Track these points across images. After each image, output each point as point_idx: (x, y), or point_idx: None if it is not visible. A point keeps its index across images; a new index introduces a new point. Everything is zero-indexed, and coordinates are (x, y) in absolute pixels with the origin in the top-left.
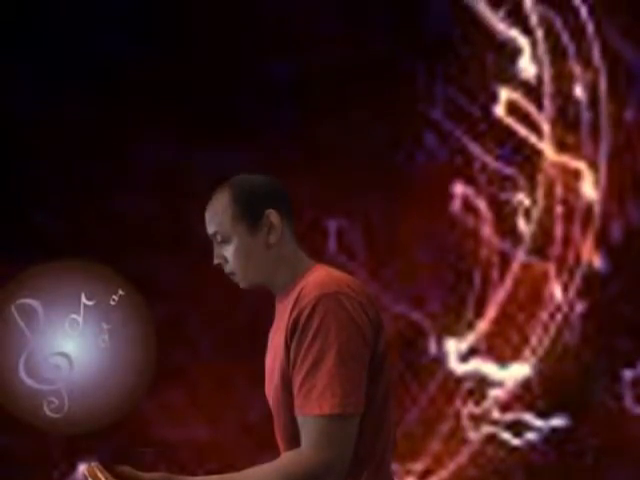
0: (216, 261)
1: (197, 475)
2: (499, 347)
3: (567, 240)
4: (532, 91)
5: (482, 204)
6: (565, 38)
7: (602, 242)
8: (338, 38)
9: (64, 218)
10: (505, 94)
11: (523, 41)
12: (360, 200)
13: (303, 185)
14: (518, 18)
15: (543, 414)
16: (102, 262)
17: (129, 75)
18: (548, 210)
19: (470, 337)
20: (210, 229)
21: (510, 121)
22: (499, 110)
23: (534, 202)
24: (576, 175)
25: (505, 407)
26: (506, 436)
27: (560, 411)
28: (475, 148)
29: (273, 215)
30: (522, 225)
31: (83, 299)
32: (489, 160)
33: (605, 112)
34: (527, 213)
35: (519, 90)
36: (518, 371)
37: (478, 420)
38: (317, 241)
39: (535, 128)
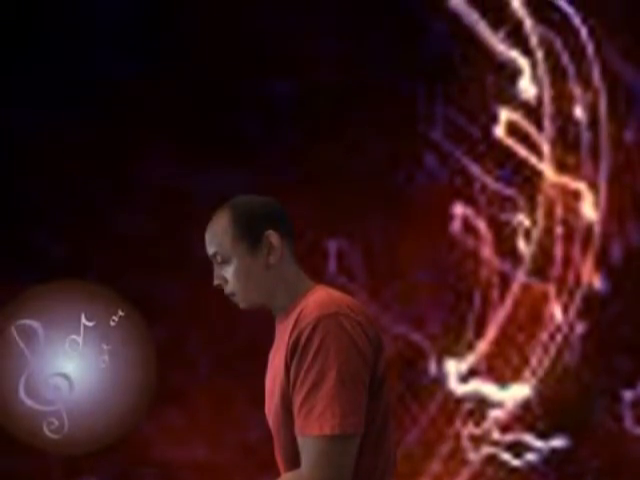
0: (216, 282)
1: None
2: (499, 368)
3: (567, 261)
4: (532, 112)
5: (482, 225)
6: (565, 59)
7: (602, 263)
8: (338, 58)
9: (64, 239)
10: (505, 115)
11: (523, 62)
12: (360, 221)
13: (303, 206)
14: (518, 39)
15: (543, 435)
16: (102, 283)
17: (129, 95)
18: (548, 231)
19: (470, 358)
20: (210, 250)
21: (510, 142)
22: (499, 131)
23: (534, 223)
24: (576, 196)
25: (505, 428)
26: (506, 457)
27: (560, 432)
28: (475, 169)
29: (273, 236)
30: (522, 246)
31: (83, 320)
32: (489, 181)
33: (605, 133)
34: (527, 234)
35: (519, 111)
36: (518, 392)
37: (478, 441)
38: (317, 262)
39: (535, 149)
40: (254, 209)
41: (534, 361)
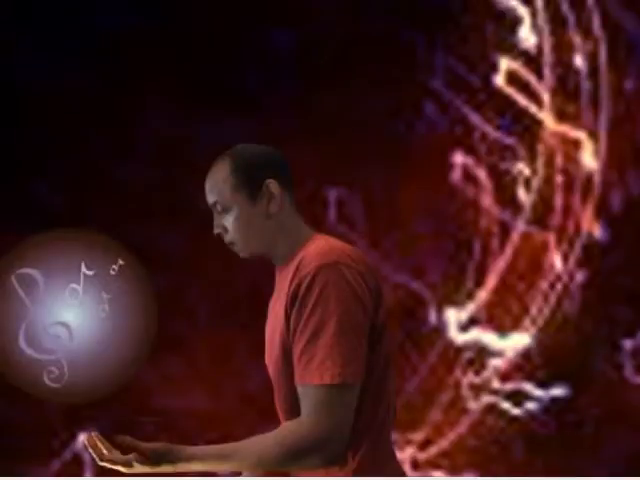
0: (216, 231)
1: (197, 445)
2: (499, 317)
3: (567, 210)
4: (532, 61)
5: (482, 174)
6: (565, 7)
7: (602, 212)
8: (338, 9)
9: (64, 188)
10: (505, 64)
11: (523, 10)
12: (360, 170)
13: (303, 155)
14: None
15: (543, 384)
16: (102, 232)
17: (129, 45)
18: (548, 180)
19: (470, 307)
20: (210, 199)
21: (510, 91)
22: (499, 80)
23: (534, 172)
24: (576, 145)
25: (505, 377)
26: (506, 406)
27: (560, 381)
28: (475, 118)
29: (273, 185)
30: (522, 195)
31: (83, 269)
32: (489, 130)
33: (605, 81)
34: (527, 183)
35: (519, 60)
36: (518, 341)
37: (478, 390)
38: (317, 211)
39: (535, 98)
40: (254, 158)
41: (534, 310)
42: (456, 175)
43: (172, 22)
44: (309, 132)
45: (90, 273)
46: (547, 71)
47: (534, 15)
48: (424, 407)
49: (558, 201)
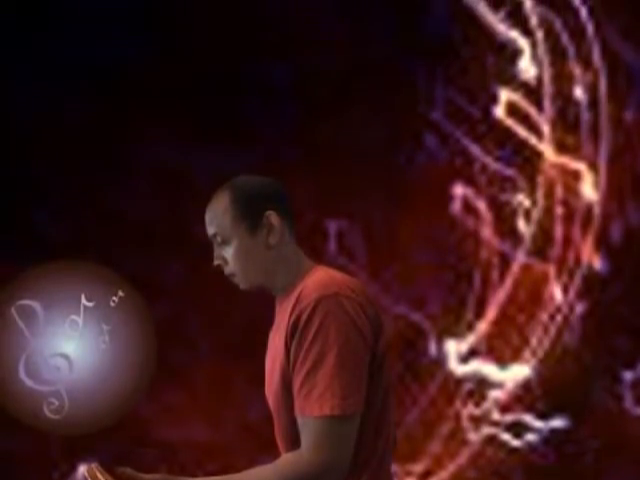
0: (216, 262)
1: (197, 476)
2: (499, 348)
3: (567, 241)
4: (532, 92)
5: (482, 205)
6: (565, 39)
7: (602, 243)
8: (338, 39)
9: (64, 219)
10: (505, 95)
11: (523, 42)
12: (360, 201)
13: (303, 186)
14: (518, 19)
15: (543, 415)
16: (102, 263)
17: (130, 76)
18: (548, 211)
19: (470, 338)
20: (210, 230)
21: (510, 122)
22: (499, 111)
23: (534, 203)
24: (576, 176)
25: (505, 408)
26: (506, 437)
27: (560, 412)
28: (475, 149)
29: (273, 216)
30: (522, 226)
31: (83, 300)
32: (489, 161)
33: (605, 113)
34: (527, 214)
35: (519, 91)
36: (518, 372)
37: (478, 421)
38: (317, 242)
39: (535, 129)
40: (254, 189)
41: (534, 341)
42: (456, 206)
43: (172, 55)
44: (309, 164)
45: (90, 304)
46: (547, 102)
47: (534, 47)
48: (424, 438)
49: (558, 232)
